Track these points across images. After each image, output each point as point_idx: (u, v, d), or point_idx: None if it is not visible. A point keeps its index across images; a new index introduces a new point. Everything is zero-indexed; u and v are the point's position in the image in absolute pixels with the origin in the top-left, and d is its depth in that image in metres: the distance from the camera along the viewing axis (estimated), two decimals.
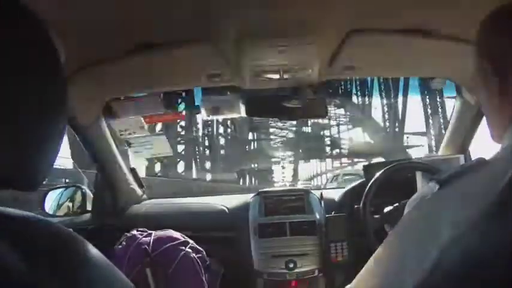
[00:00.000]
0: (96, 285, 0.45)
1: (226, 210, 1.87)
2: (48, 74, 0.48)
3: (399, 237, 0.57)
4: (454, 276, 0.42)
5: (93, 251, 0.47)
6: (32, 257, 0.40)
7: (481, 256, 0.41)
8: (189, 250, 1.50)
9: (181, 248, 1.49)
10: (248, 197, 1.91)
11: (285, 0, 1.00)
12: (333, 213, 1.75)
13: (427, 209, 0.53)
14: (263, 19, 1.08)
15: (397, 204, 1.59)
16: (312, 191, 1.91)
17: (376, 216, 1.62)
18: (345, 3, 1.01)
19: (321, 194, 1.86)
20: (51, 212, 1.86)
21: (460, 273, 0.42)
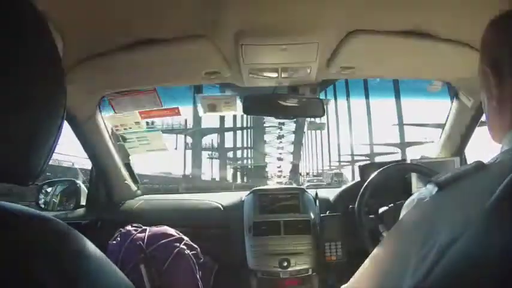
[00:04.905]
0: (94, 280, 0.45)
1: (221, 207, 1.87)
2: (46, 67, 0.47)
3: (397, 238, 0.57)
4: (452, 278, 0.42)
5: (91, 246, 0.47)
6: (29, 251, 0.40)
7: (480, 257, 0.41)
8: (184, 247, 1.49)
9: (175, 244, 1.48)
10: (243, 195, 1.92)
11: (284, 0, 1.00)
12: (327, 212, 1.76)
13: (425, 210, 0.53)
14: (263, 17, 1.08)
15: (392, 204, 1.59)
16: (307, 190, 1.92)
17: (371, 216, 1.62)
18: (345, 3, 1.01)
19: (316, 193, 1.86)
20: (45, 206, 1.86)
21: (459, 275, 0.42)
